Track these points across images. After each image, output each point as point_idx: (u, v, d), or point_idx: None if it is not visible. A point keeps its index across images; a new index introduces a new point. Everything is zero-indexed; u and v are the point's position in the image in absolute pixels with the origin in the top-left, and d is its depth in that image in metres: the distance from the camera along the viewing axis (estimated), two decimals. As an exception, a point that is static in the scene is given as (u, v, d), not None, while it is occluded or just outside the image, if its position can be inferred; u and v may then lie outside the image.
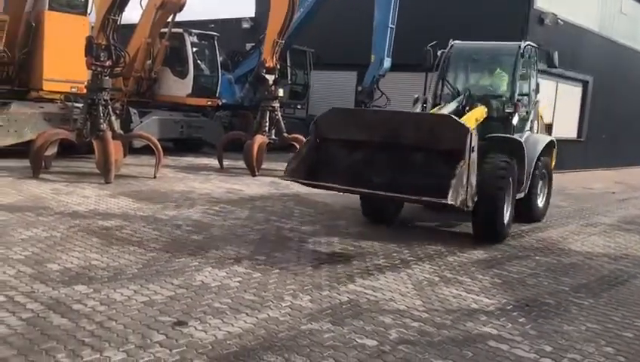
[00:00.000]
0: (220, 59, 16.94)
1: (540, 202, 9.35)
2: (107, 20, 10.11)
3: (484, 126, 8.00)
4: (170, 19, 15.40)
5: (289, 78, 18.73)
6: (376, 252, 6.60)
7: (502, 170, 7.35)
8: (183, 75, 16.15)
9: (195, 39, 16.45)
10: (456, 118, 6.63)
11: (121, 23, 10.51)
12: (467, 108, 8.38)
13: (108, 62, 10.36)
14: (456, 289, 5.47)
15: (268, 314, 4.50)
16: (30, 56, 12.61)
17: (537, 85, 9.68)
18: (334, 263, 6.00)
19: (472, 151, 6.08)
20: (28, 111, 11.85)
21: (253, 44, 18.33)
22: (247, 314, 4.49)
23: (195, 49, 16.40)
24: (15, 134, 11.47)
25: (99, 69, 10.27)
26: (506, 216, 7.54)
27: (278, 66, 13.50)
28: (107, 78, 10.46)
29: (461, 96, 8.62)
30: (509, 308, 5.10)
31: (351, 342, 4.12)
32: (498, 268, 6.32)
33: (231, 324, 4.27)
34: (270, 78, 13.06)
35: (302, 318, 4.49)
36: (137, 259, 5.66)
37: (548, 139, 9.38)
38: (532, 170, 8.50)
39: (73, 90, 12.44)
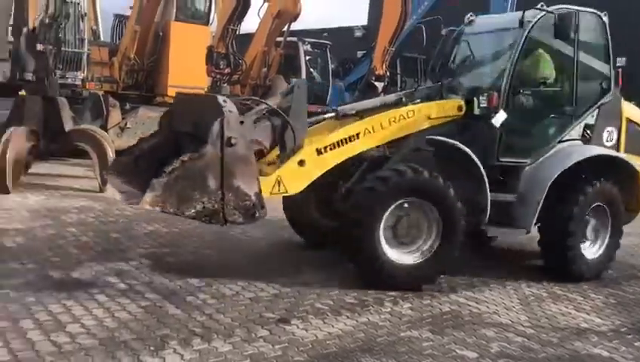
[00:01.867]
0: (331, 67, 17.29)
1: (592, 252, 6.09)
2: (227, 30, 10.71)
3: (463, 128, 5.82)
4: (285, 28, 15.94)
5: (399, 85, 18.71)
6: (479, 265, 6.44)
7: (372, 181, 5.10)
8: (296, 82, 16.62)
9: (308, 47, 16.91)
10: (220, 99, 4.56)
11: (240, 32, 11.07)
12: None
13: (227, 70, 10.97)
14: (566, 307, 5.24)
15: (368, 318, 4.57)
16: (157, 63, 13.57)
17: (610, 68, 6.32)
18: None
19: (231, 143, 4.31)
20: (153, 115, 12.75)
21: (364, 52, 18.52)
22: (347, 316, 4.58)
23: (308, 57, 16.86)
24: (142, 136, 12.38)
25: (218, 76, 10.89)
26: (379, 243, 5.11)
27: (388, 73, 13.57)
28: (225, 85, 11.05)
29: (438, 83, 6.39)
30: (623, 330, 4.81)
31: (450, 353, 4.08)
32: (613, 288, 5.96)
33: (331, 325, 4.38)
34: (380, 85, 13.17)
35: (401, 325, 4.51)
36: (246, 256, 5.95)
37: (614, 155, 6.20)
38: (541, 199, 5.67)
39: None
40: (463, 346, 4.20)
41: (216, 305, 4.58)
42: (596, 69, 6.36)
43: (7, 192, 7.82)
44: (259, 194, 4.43)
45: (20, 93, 9.75)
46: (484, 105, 5.73)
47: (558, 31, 5.69)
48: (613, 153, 6.27)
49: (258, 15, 15.52)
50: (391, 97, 6.23)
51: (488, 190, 5.53)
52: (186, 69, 13.10)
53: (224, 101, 4.47)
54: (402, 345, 4.14)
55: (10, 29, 11.37)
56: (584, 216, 5.90)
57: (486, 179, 5.52)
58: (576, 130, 6.21)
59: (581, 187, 5.85)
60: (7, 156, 7.68)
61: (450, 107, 5.82)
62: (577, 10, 5.95)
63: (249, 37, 15.90)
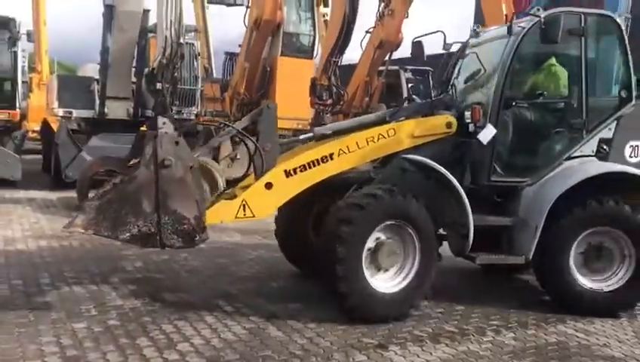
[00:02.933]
0: (433, 93, 17.19)
1: (609, 284, 5.33)
2: (329, 62, 11.04)
3: (455, 146, 5.36)
4: (386, 58, 16.13)
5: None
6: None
7: (343, 209, 4.79)
8: (398, 110, 16.70)
9: (409, 75, 16.95)
10: (160, 120, 4.37)
11: (342, 63, 11.36)
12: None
13: (329, 101, 11.25)
14: (689, 342, 4.84)
15: (468, 347, 4.49)
16: (265, 97, 14.19)
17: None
18: (543, 304, 5.69)
19: (164, 165, 4.15)
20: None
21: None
22: (446, 344, 4.53)
23: (410, 84, 16.90)
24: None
25: (321, 108, 11.20)
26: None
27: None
28: (328, 115, 11.34)
29: (428, 100, 5.81)
30: None
31: (555, 385, 3.92)
32: None
33: (429, 353, 4.35)
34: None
35: (503, 355, 4.39)
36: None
37: (630, 172, 5.36)
38: (540, 223, 5.13)
39: (299, 126, 13.69)
40: (570, 379, 4.02)
41: (316, 328, 4.70)
42: (612, 77, 5.77)
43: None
44: (199, 217, 4.24)
45: (141, 128, 10.58)
46: (469, 120, 5.25)
47: (544, 35, 5.15)
48: (626, 169, 5.42)
49: (360, 46, 15.88)
50: (371, 116, 5.79)
51: (470, 213, 4.98)
52: (291, 101, 13.56)
53: (163, 123, 4.29)
54: (503, 375, 4.04)
55: (133, 70, 12.40)
56: (572, 243, 5.22)
57: (466, 201, 4.97)
58: (589, 146, 5.53)
59: (572, 209, 5.16)
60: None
61: (436, 124, 5.30)
62: (584, 12, 5.41)
63: (351, 67, 16.25)
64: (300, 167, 4.84)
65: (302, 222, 5.84)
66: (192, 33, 15.78)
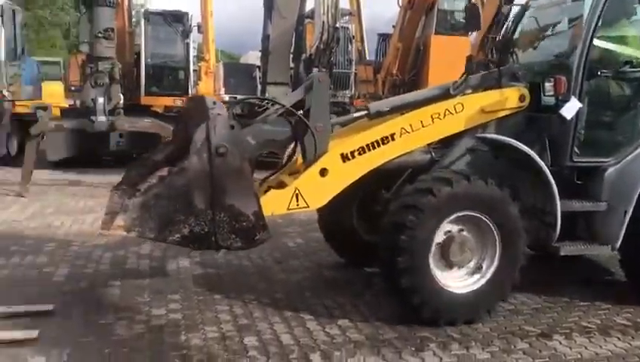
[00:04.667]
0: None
1: None
2: (486, 39, 10.61)
3: (528, 122, 4.76)
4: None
5: None
6: None
7: (411, 195, 4.22)
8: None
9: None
10: (209, 100, 3.86)
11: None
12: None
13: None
14: None
15: (643, 343, 4.17)
16: (417, 77, 14.06)
17: None
18: None
19: (219, 153, 3.58)
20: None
21: None
22: (618, 337, 4.24)
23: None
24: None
25: (477, 86, 10.84)
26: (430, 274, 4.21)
27: None
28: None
29: (495, 70, 4.99)
30: None
31: None
32: None
33: (599, 345, 4.11)
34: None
35: (686, 354, 4.02)
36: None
37: None
38: (630, 209, 4.56)
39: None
40: None
41: (476, 313, 4.64)
42: None
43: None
44: (258, 213, 3.70)
45: (298, 112, 11.04)
46: (551, 92, 4.55)
47: None
48: None
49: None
50: (433, 90, 5.16)
51: (557, 199, 4.42)
52: (445, 80, 13.30)
53: (213, 103, 3.79)
54: (686, 376, 3.70)
55: (291, 56, 12.94)
56: None
57: (554, 186, 4.41)
58: None
59: None
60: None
61: (508, 97, 4.67)
62: None
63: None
64: (358, 149, 4.29)
65: (346, 210, 5.29)
66: (347, 17, 16.03)
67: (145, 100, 13.48)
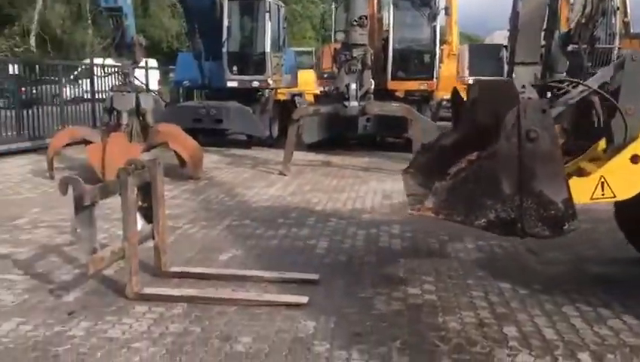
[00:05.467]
0: None
1: None
2: None
3: None
4: None
5: None
6: None
7: None
8: None
9: None
10: (515, 82, 3.69)
11: None
12: None
13: None
14: None
15: None
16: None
17: None
18: None
19: (530, 138, 3.32)
20: None
21: None
22: None
23: None
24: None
25: None
26: None
27: None
28: None
29: None
30: None
31: None
32: None
33: None
34: None
35: None
36: None
37: None
38: None
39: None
40: None
41: None
42: None
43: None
44: (568, 200, 3.46)
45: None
46: None
47: None
48: None
49: None
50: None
51: None
52: None
53: (522, 86, 3.66)
54: None
55: (542, 33, 12.10)
56: None
57: None
58: None
59: None
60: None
61: None
62: None
63: None
64: None
65: None
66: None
67: (391, 85, 13.85)
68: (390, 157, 12.05)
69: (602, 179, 3.87)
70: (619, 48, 12.31)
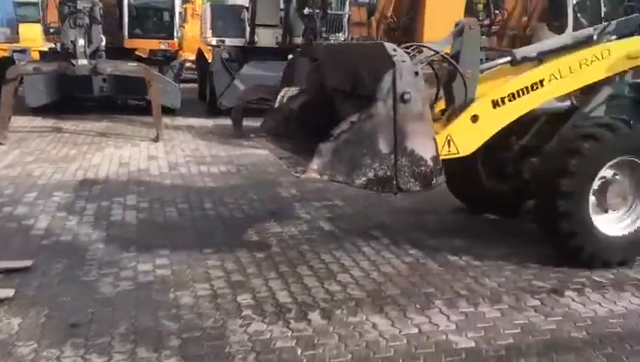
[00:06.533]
0: (604, 10, 15.31)
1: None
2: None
3: None
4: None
5: None
6: None
7: (573, 140, 4.36)
8: (560, 29, 15.13)
9: (576, -10, 15.18)
10: (389, 47, 3.75)
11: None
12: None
13: (486, 22, 10.41)
14: None
15: (659, 298, 3.96)
16: (413, 20, 13.50)
17: None
18: None
19: (404, 99, 3.57)
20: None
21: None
22: (633, 293, 4.03)
23: (576, 0, 15.16)
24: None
25: (477, 29, 10.40)
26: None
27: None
28: (484, 37, 10.52)
29: (636, 15, 5.18)
30: None
31: None
32: None
33: (613, 302, 3.89)
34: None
35: None
36: (509, 221, 5.64)
37: None
38: None
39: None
40: None
41: (481, 267, 4.41)
42: None
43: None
44: (436, 157, 3.73)
45: (289, 56, 10.53)
46: None
47: None
48: None
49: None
50: (578, 35, 5.13)
51: None
52: (442, 23, 12.72)
53: (394, 49, 3.74)
54: None
55: (281, -3, 12.34)
56: None
57: None
58: None
59: None
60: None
61: None
62: None
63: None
64: (508, 95, 4.36)
65: (470, 157, 5.14)
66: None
67: (128, 43, 12.84)
68: (131, 121, 11.26)
69: (449, 138, 4.17)
70: (349, 15, 13.11)
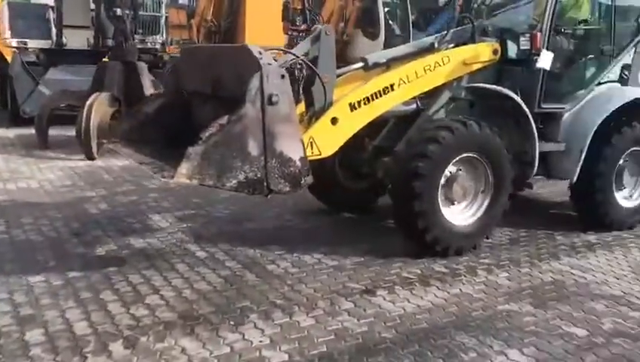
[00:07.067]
0: (411, 17, 16.46)
1: (628, 201, 5.79)
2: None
3: (499, 73, 5.39)
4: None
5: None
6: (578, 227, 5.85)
7: (419, 144, 4.66)
8: (374, 36, 15.98)
9: (387, -1, 16.14)
10: (255, 49, 3.86)
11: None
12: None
13: (303, 27, 10.58)
14: (688, 276, 4.64)
15: (460, 289, 4.21)
16: (233, 24, 13.37)
17: None
18: (534, 238, 5.44)
19: (272, 101, 3.66)
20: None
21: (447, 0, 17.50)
22: (437, 287, 4.24)
23: (386, 9, 16.10)
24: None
25: (295, 34, 10.54)
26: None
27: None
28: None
29: (469, 25, 5.51)
30: None
31: (556, 329, 3.66)
32: None
33: (420, 297, 4.06)
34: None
35: (498, 297, 4.12)
36: (329, 223, 5.70)
37: None
38: (584, 148, 5.32)
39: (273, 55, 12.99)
40: (570, 322, 3.76)
41: (298, 274, 4.36)
42: (631, 4, 5.95)
43: (93, 158, 7.94)
44: (304, 158, 3.83)
45: (103, 59, 9.82)
46: (526, 46, 5.20)
47: None
48: None
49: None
50: (421, 43, 5.58)
51: (537, 139, 5.16)
52: (263, 28, 12.80)
53: (259, 52, 3.78)
54: (501, 320, 3.76)
55: (94, -3, 11.47)
56: (618, 162, 5.56)
57: (534, 128, 5.13)
58: (614, 72, 5.79)
59: (616, 130, 5.46)
60: (92, 122, 7.74)
61: (484, 51, 5.27)
62: None
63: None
64: (363, 99, 4.60)
65: (329, 159, 5.11)
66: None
67: None
68: None
69: (311, 140, 4.27)
70: (166, 17, 12.63)
